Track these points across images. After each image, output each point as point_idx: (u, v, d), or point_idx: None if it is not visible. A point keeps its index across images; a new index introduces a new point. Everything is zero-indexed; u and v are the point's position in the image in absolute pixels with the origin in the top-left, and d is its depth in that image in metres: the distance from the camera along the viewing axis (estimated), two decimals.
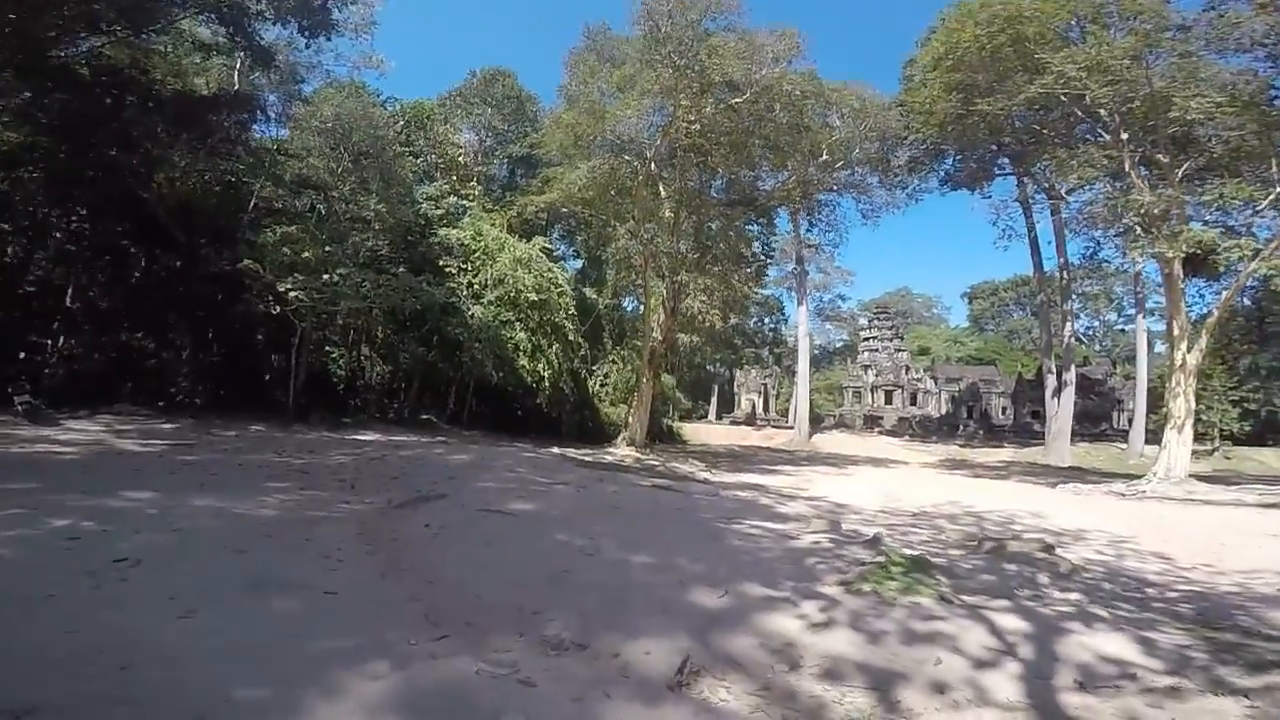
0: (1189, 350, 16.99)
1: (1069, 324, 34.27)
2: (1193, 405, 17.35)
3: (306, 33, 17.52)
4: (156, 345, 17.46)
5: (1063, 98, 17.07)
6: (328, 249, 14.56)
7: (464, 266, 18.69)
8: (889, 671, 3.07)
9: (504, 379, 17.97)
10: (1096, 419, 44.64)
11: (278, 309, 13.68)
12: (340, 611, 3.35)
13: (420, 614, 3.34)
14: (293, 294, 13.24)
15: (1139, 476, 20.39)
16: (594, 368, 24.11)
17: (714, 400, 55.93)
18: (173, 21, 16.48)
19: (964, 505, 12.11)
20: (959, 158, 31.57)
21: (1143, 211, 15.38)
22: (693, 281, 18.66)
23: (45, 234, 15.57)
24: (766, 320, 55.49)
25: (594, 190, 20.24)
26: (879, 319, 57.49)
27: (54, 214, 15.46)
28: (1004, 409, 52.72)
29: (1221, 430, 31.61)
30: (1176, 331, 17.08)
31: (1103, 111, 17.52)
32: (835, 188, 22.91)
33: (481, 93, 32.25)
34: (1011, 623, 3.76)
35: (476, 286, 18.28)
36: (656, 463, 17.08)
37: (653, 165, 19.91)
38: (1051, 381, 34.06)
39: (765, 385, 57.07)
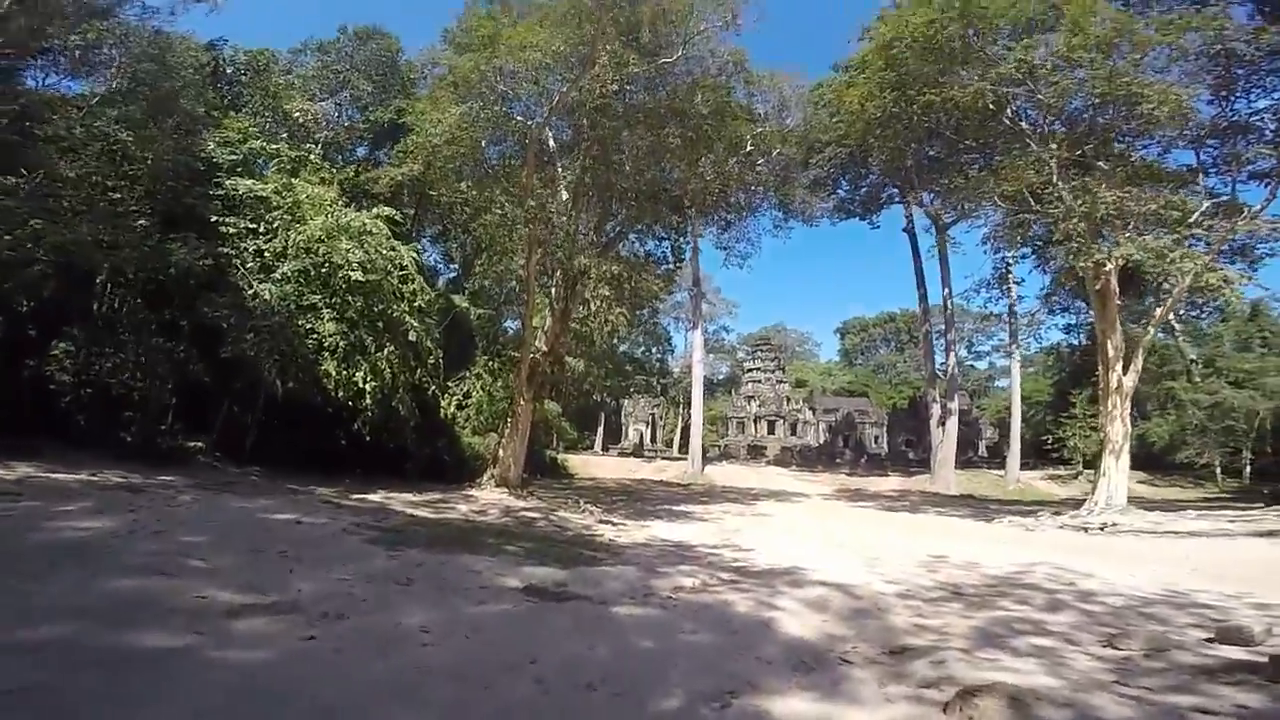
0: (1124, 372, 15.74)
1: (952, 354, 34.77)
2: (1129, 429, 16.10)
3: None
4: None
5: (990, 106, 15.79)
6: None
7: (253, 228, 12.56)
8: None
9: (299, 390, 11.88)
10: (963, 447, 46.65)
11: None
12: None
13: None
14: None
15: (1052, 505, 19.20)
16: (450, 384, 18.29)
17: (600, 430, 51.77)
18: None
19: (961, 561, 8.78)
20: (851, 186, 31.46)
21: (1093, 217, 13.91)
22: (594, 268, 14.17)
23: None
24: (654, 350, 53.36)
25: (468, 155, 15.52)
26: (761, 351, 57.75)
27: None
28: (876, 438, 54.45)
29: (1084, 455, 33.17)
30: (1111, 352, 15.77)
31: (1024, 124, 16.57)
32: (755, 185, 20.05)
33: (350, 53, 25.79)
34: None
35: (269, 256, 12.22)
36: (537, 513, 12.10)
37: (550, 140, 15.70)
38: (936, 410, 34.15)
39: (653, 415, 54.11)
